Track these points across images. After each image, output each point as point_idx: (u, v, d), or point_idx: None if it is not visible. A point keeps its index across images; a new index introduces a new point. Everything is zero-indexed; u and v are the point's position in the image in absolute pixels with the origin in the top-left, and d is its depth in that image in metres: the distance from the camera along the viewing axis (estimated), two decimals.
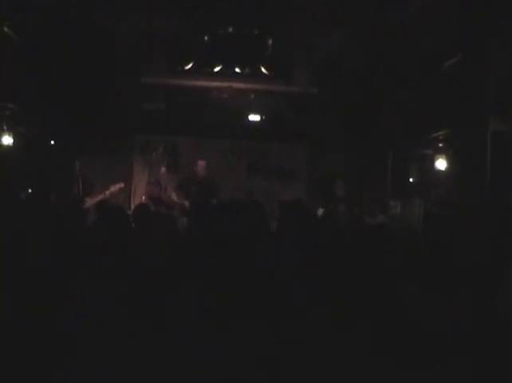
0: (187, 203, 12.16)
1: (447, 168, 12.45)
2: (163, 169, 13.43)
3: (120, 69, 12.37)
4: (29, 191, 12.02)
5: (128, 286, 4.20)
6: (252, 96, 13.69)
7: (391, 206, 13.00)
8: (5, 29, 9.52)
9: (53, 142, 13.36)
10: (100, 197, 11.73)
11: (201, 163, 12.68)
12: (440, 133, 11.87)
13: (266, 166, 14.74)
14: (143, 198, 12.92)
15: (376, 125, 13.16)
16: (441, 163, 12.57)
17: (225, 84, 13.06)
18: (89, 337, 3.85)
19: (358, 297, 4.48)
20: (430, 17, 9.38)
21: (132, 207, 12.32)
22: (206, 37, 11.38)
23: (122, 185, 12.37)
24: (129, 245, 5.13)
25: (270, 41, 11.50)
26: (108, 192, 11.95)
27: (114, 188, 12.11)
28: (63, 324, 4.00)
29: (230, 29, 11.08)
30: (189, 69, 12.38)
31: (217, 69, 12.36)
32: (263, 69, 12.26)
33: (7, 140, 11.95)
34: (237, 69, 12.28)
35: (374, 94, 12.53)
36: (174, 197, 12.39)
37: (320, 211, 10.97)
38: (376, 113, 12.94)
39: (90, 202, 11.46)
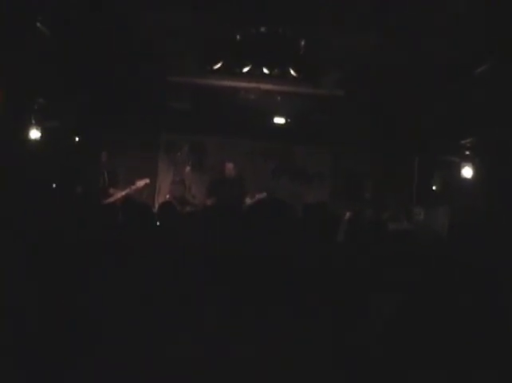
0: (210, 202, 12.20)
1: (473, 176, 12.38)
2: (187, 168, 13.44)
3: (148, 68, 12.39)
4: (54, 185, 12.11)
5: (158, 281, 4.20)
6: (279, 97, 13.68)
7: (415, 212, 12.94)
8: (38, 24, 9.56)
9: (77, 139, 13.42)
10: (125, 191, 11.82)
11: (229, 166, 12.71)
12: (467, 141, 11.82)
13: (291, 168, 14.73)
14: (167, 196, 12.95)
15: (403, 130, 13.10)
16: (467, 171, 12.50)
17: (253, 84, 13.06)
18: (110, 337, 3.85)
19: (380, 302, 4.45)
20: (459, 22, 9.31)
21: (156, 205, 12.37)
22: (238, 36, 11.34)
23: (147, 181, 12.44)
24: (155, 243, 5.12)
25: (303, 43, 11.44)
26: (133, 187, 12.03)
27: (139, 183, 12.19)
28: (83, 322, 4.00)
29: (263, 29, 11.03)
30: (217, 68, 12.38)
31: (246, 69, 12.35)
32: (292, 71, 12.23)
33: (35, 133, 12.00)
34: (265, 70, 12.24)
35: (401, 98, 12.45)
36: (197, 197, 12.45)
37: (345, 214, 10.94)
38: (403, 118, 12.87)
39: (115, 193, 11.54)
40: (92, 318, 3.99)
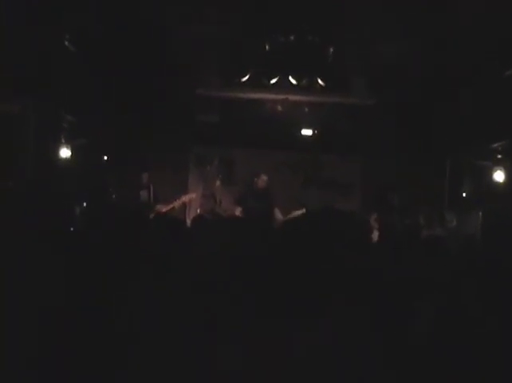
0: (238, 214, 12.18)
1: (505, 180, 12.24)
2: (217, 182, 13.43)
3: (177, 81, 12.42)
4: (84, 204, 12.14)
5: (193, 296, 4.18)
6: (307, 108, 13.66)
7: (447, 218, 12.83)
8: (66, 42, 9.64)
9: (106, 157, 13.48)
10: (170, 206, 11.88)
11: (263, 178, 12.65)
12: (499, 144, 11.71)
13: (321, 179, 14.67)
14: (198, 211, 12.96)
15: (434, 137, 12.99)
16: (499, 175, 12.35)
17: (281, 96, 13.05)
18: (145, 353, 3.83)
19: (413, 310, 4.40)
20: (490, 24, 9.24)
21: (187, 219, 12.38)
22: (266, 47, 11.35)
23: (193, 195, 12.52)
24: (188, 257, 5.10)
25: (331, 51, 11.41)
26: (178, 202, 12.09)
27: (185, 198, 12.25)
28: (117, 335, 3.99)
29: (291, 37, 11.02)
30: (245, 81, 12.39)
31: (273, 80, 12.34)
32: (320, 81, 12.21)
33: (65, 152, 12.04)
34: (293, 81, 12.23)
35: (431, 104, 12.37)
36: (228, 211, 12.42)
37: (376, 223, 10.88)
38: (434, 124, 12.77)
39: (161, 209, 11.60)
40: (127, 331, 3.99)
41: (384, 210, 11.90)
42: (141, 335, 3.90)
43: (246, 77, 12.43)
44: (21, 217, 5.63)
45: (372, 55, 11.39)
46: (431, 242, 6.40)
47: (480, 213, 12.64)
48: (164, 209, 11.86)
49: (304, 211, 11.04)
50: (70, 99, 10.91)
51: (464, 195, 13.69)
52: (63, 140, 12.01)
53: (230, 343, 3.75)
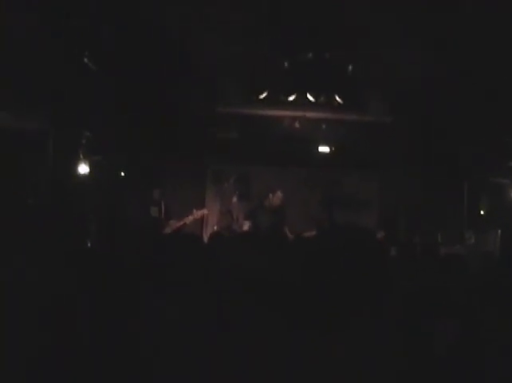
0: (245, 228, 12.15)
1: None
2: (234, 199, 13.41)
3: (195, 99, 12.45)
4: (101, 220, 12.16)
5: (211, 312, 4.16)
6: (324, 125, 13.65)
7: (466, 236, 12.79)
8: (85, 59, 9.68)
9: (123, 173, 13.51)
10: (182, 222, 11.87)
11: (278, 195, 12.63)
12: None
13: (338, 196, 14.62)
14: (215, 227, 12.96)
15: (452, 155, 12.96)
16: None
17: (299, 113, 13.05)
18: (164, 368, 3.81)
19: (438, 327, 4.37)
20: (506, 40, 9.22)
21: (204, 235, 12.37)
22: (285, 64, 11.35)
23: (206, 211, 12.51)
24: (206, 273, 5.09)
25: (349, 68, 11.40)
26: (190, 217, 12.09)
27: (197, 214, 12.25)
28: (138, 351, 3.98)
29: (310, 55, 11.01)
30: (263, 98, 12.41)
31: (291, 98, 12.34)
32: (337, 98, 12.20)
33: (83, 168, 12.06)
34: (311, 98, 12.22)
35: (449, 122, 12.33)
36: (245, 227, 12.37)
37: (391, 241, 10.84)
38: (452, 142, 12.73)
39: (173, 226, 11.61)
40: (148, 347, 3.98)
41: (403, 227, 11.88)
42: (159, 349, 3.88)
43: (264, 94, 12.44)
44: (41, 232, 5.66)
45: (390, 72, 11.36)
46: (450, 259, 6.39)
47: (499, 231, 12.58)
48: (176, 225, 11.86)
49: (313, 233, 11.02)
50: (88, 114, 10.95)
51: (482, 212, 13.64)
52: (81, 156, 12.05)
53: (244, 357, 3.74)
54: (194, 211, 12.37)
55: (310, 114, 13.13)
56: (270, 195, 12.56)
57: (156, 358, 3.83)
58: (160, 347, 3.90)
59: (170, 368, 3.77)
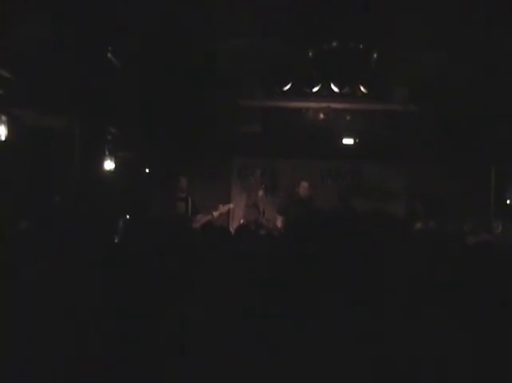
0: (280, 223, 12.16)
1: None
2: (260, 192, 13.41)
3: (219, 92, 12.45)
4: (127, 216, 12.19)
5: (239, 305, 4.17)
6: (349, 116, 13.60)
7: (493, 225, 12.68)
8: (109, 54, 9.72)
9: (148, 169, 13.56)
10: (208, 217, 11.89)
11: (304, 185, 12.64)
12: None
13: (363, 187, 14.56)
14: (241, 221, 12.96)
15: (478, 143, 12.86)
16: None
17: (323, 104, 13.01)
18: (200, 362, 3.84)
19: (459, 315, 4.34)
20: None
21: (231, 229, 12.39)
22: (310, 53, 11.32)
23: (231, 206, 12.53)
24: (232, 266, 5.10)
25: (374, 57, 11.34)
26: (216, 213, 12.12)
27: (223, 209, 12.27)
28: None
29: (333, 45, 10.98)
30: (287, 90, 12.39)
31: (315, 89, 12.31)
32: (362, 88, 12.16)
33: (109, 165, 12.12)
34: (335, 89, 12.19)
35: (475, 111, 12.24)
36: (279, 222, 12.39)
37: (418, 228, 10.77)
38: (478, 132, 12.64)
39: (200, 220, 11.63)
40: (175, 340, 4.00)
41: (431, 216, 11.80)
42: (194, 344, 3.90)
43: (288, 86, 12.42)
44: (69, 230, 5.68)
45: (414, 62, 11.30)
46: (479, 248, 6.33)
47: None
48: (203, 220, 11.88)
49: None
50: (114, 111, 10.99)
51: (509, 202, 13.55)
52: (107, 152, 12.10)
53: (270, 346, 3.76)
54: (221, 205, 12.40)
55: (335, 105, 13.09)
56: (297, 188, 12.57)
57: (196, 351, 3.86)
58: (192, 339, 3.94)
59: (208, 356, 3.80)
